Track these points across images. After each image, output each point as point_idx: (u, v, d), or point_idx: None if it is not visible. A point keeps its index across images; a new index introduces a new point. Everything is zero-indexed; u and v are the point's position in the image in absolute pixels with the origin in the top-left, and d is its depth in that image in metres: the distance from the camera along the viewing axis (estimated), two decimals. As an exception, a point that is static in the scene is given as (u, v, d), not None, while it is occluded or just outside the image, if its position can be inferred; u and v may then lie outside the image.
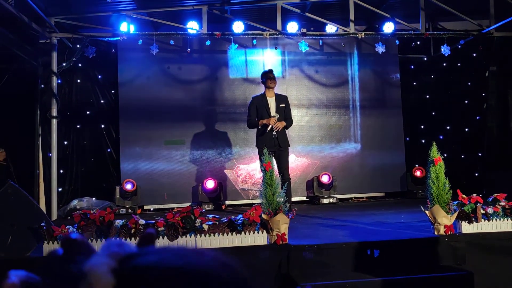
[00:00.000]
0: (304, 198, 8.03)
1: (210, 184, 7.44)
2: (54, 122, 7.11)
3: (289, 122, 5.90)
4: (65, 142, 7.78)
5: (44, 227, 3.80)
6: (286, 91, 7.49)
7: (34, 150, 7.29)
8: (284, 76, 8.16)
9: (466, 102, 8.72)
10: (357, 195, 8.24)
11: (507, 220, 4.32)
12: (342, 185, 8.01)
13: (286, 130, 5.95)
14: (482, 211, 4.28)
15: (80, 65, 7.77)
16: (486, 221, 4.28)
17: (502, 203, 4.40)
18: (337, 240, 4.22)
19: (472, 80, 8.74)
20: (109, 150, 8.00)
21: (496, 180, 7.92)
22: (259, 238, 3.97)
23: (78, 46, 7.20)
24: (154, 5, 7.08)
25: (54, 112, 7.10)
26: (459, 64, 8.64)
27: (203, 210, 4.07)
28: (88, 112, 7.97)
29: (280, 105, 5.88)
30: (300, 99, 8.18)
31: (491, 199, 4.50)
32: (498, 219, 4.31)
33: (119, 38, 7.03)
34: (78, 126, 7.92)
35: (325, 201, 7.60)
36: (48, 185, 7.26)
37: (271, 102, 5.88)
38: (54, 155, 7.09)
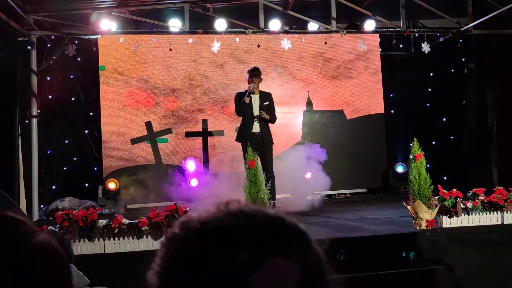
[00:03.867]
0: (288, 195, 8.06)
1: (194, 182, 7.44)
2: (34, 121, 6.99)
3: (272, 118, 5.95)
4: (46, 141, 7.66)
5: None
6: (269, 89, 7.50)
7: (14, 150, 7.17)
8: (267, 73, 8.17)
9: (446, 98, 8.86)
10: (340, 192, 8.31)
11: (486, 214, 4.42)
12: (325, 181, 8.05)
13: (270, 128, 5.99)
14: (462, 206, 4.37)
15: (60, 63, 7.64)
16: (466, 215, 4.38)
17: (481, 198, 4.51)
18: (321, 236, 4.26)
19: (451, 77, 8.89)
20: (91, 149, 7.91)
21: (475, 175, 8.09)
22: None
23: (58, 44, 7.09)
24: (135, 3, 7.00)
25: (34, 111, 6.98)
26: (439, 61, 8.78)
27: (188, 208, 4.06)
28: (69, 111, 7.86)
29: (264, 103, 5.92)
30: (283, 97, 8.21)
31: (470, 193, 4.60)
32: (477, 213, 4.40)
33: (100, 36, 6.94)
34: (59, 125, 7.80)
35: (309, 197, 7.65)
36: (28, 185, 7.14)
37: (255, 99, 5.91)
38: (34, 154, 6.97)
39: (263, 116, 5.75)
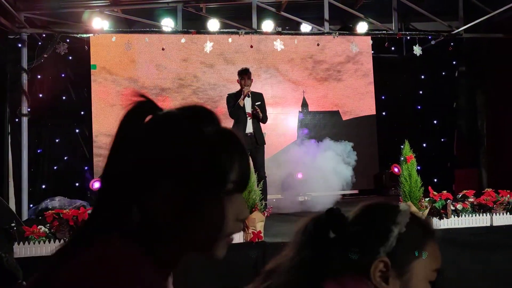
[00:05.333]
0: (279, 196, 8.07)
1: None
2: (24, 120, 6.93)
3: (264, 117, 5.97)
4: (36, 140, 7.59)
5: (15, 227, 3.71)
6: (261, 89, 7.52)
7: (3, 149, 7.09)
8: (260, 74, 8.18)
9: (436, 101, 8.93)
10: (331, 193, 8.32)
11: (476, 216, 4.46)
12: (316, 183, 8.06)
13: (262, 128, 6.01)
14: (452, 207, 4.41)
15: (51, 61, 7.57)
16: (456, 217, 4.41)
17: (471, 199, 4.55)
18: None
19: (442, 80, 8.96)
20: (82, 148, 7.85)
21: (465, 177, 8.15)
22: (234, 236, 3.96)
23: (49, 42, 7.03)
24: (127, 2, 6.97)
25: (24, 110, 6.91)
26: (430, 64, 8.84)
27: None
28: (60, 110, 7.80)
29: (256, 103, 5.93)
30: (275, 98, 8.22)
31: (460, 195, 4.64)
32: (467, 215, 4.44)
33: (92, 34, 6.90)
34: (49, 124, 7.74)
35: (300, 198, 7.66)
36: (18, 185, 7.06)
37: (247, 100, 5.91)
38: (24, 153, 6.91)
39: (257, 112, 5.76)
